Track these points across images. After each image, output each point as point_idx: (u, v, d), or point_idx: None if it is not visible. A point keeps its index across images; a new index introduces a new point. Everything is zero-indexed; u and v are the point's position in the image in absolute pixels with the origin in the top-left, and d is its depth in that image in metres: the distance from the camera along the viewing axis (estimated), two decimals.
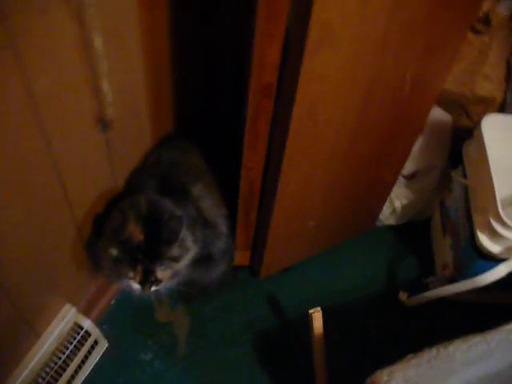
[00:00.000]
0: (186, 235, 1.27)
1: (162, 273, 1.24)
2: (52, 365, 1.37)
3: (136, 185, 1.36)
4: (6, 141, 0.92)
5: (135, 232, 1.19)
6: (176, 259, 1.25)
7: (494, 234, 1.34)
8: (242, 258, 1.59)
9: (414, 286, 1.62)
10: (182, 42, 1.29)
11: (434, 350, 1.13)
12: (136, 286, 1.25)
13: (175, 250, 1.24)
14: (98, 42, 0.95)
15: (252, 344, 1.57)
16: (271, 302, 1.64)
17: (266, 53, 0.99)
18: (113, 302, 1.60)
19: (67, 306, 1.40)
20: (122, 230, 1.20)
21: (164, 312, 1.60)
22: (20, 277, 1.15)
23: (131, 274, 1.22)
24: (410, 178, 1.69)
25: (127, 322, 1.58)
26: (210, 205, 1.40)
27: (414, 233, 1.79)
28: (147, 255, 1.20)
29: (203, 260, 1.41)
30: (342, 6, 0.91)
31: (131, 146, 1.33)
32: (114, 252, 1.21)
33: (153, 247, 1.20)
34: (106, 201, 1.33)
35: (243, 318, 1.61)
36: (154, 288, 1.26)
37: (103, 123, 1.11)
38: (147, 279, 1.23)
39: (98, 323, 1.50)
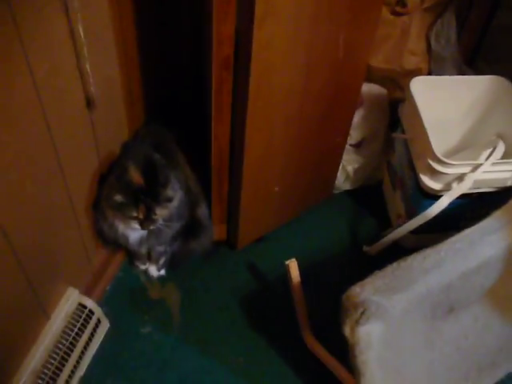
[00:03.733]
0: (174, 181, 1.46)
1: (160, 211, 1.42)
2: (62, 344, 1.49)
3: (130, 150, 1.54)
4: (15, 124, 1.10)
5: (136, 177, 1.37)
6: (170, 199, 1.44)
7: (433, 173, 1.56)
8: (219, 232, 1.77)
9: (374, 240, 1.82)
10: (146, 39, 1.49)
11: (395, 264, 1.34)
12: (136, 226, 1.43)
13: (169, 192, 1.43)
14: (80, 31, 1.15)
15: (239, 307, 1.75)
16: (251, 269, 1.83)
17: (223, 29, 1.20)
18: (108, 287, 1.76)
19: (70, 289, 1.55)
20: (123, 176, 1.38)
21: (155, 290, 1.77)
22: (30, 261, 1.30)
23: (135, 213, 1.40)
24: (358, 145, 1.92)
25: (123, 303, 1.73)
26: (191, 175, 1.61)
27: (368, 195, 2.01)
28: (147, 196, 1.39)
29: (193, 227, 1.62)
30: None
31: (112, 134, 1.51)
32: (118, 198, 1.39)
33: (151, 189, 1.39)
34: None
35: (228, 286, 1.79)
36: (152, 227, 1.44)
37: (88, 101, 1.30)
38: (149, 217, 1.41)
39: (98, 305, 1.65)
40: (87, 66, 1.22)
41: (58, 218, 1.39)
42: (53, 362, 1.47)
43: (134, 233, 1.50)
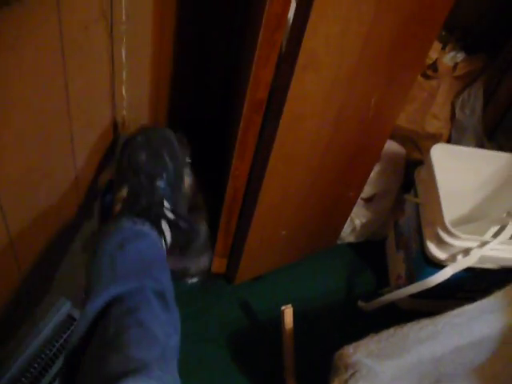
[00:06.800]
0: None
1: None
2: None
3: None
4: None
5: None
6: None
7: (440, 242, 1.56)
8: (219, 265, 1.77)
9: (370, 296, 1.81)
10: (182, 59, 1.49)
11: (391, 330, 1.33)
12: None
13: None
14: (123, 55, 1.15)
15: (226, 343, 1.73)
16: (244, 306, 1.82)
17: (261, 73, 1.20)
18: None
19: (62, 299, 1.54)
20: None
21: None
22: None
23: None
24: (369, 200, 1.92)
25: None
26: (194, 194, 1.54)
27: (371, 251, 2.01)
28: None
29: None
30: (326, 37, 1.14)
31: None
32: None
33: None
34: None
35: (218, 319, 1.78)
36: None
37: (117, 125, 1.29)
38: None
39: None
40: (123, 91, 1.23)
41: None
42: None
43: None
